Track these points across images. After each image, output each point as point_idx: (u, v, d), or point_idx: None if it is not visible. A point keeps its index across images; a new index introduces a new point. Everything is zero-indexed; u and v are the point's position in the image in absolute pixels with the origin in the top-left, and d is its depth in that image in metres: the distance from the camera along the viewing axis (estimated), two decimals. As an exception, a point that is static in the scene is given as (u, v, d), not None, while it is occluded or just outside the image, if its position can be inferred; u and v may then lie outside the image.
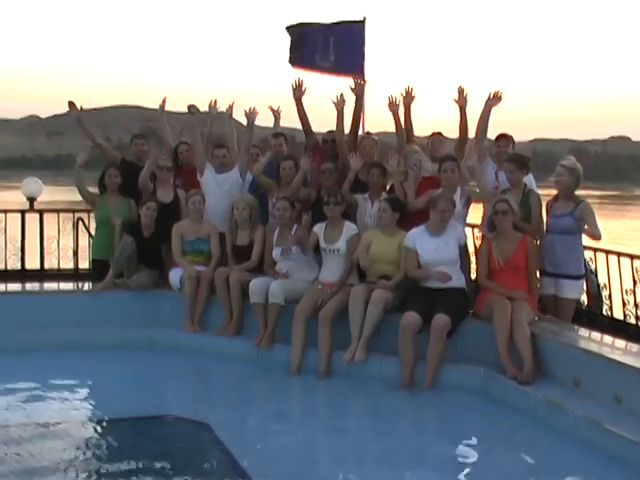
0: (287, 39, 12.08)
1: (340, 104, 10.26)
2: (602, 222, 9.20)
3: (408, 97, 10.28)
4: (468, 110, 9.90)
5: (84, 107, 11.40)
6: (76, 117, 11.02)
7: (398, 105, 10.28)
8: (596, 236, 8.88)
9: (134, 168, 10.83)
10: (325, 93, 10.90)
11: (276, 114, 11.28)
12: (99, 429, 7.23)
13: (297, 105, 10.68)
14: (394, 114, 10.28)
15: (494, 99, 9.63)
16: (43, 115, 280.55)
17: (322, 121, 11.24)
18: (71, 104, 11.05)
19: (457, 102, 9.99)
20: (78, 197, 10.93)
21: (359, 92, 10.58)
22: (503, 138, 9.98)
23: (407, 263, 8.89)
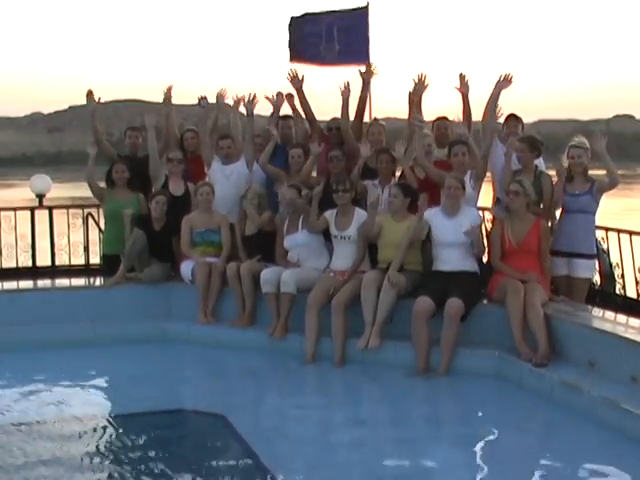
0: (287, 35, 12.03)
1: (346, 93, 10.24)
2: (605, 201, 9.24)
3: (420, 85, 10.19)
4: (474, 95, 9.86)
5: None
6: (92, 108, 11.01)
7: (418, 92, 10.19)
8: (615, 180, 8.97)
9: (132, 162, 10.81)
10: (327, 82, 10.88)
11: (275, 101, 10.97)
12: (116, 424, 7.21)
13: (299, 95, 10.67)
14: (412, 101, 10.21)
15: (504, 81, 9.54)
16: (46, 112, 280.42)
17: (324, 109, 11.20)
18: (90, 93, 11.00)
19: (459, 89, 9.96)
20: (80, 192, 10.93)
21: (368, 79, 10.54)
22: (513, 118, 9.92)
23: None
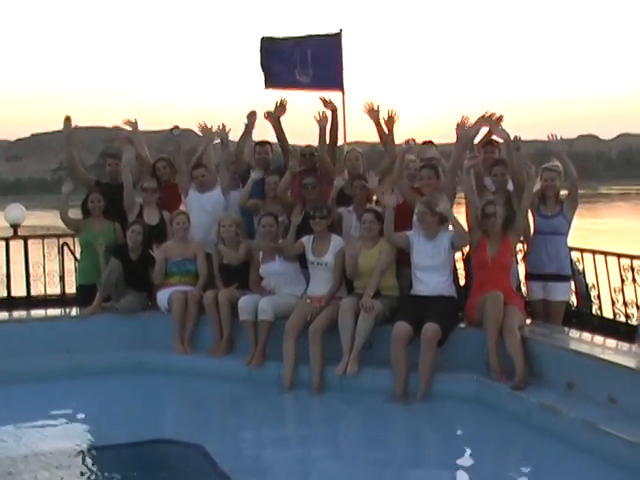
0: (257, 56, 12.05)
1: (323, 122, 10.28)
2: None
3: (390, 120, 10.20)
4: (448, 116, 9.87)
5: (42, 130, 11.31)
6: (68, 135, 10.96)
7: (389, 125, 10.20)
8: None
9: (111, 189, 10.74)
10: (299, 107, 10.88)
11: (248, 121, 10.82)
12: (93, 456, 7.14)
13: (276, 123, 10.63)
14: (377, 125, 10.21)
15: (490, 122, 9.56)
16: (12, 139, 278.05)
17: (298, 134, 11.20)
18: (67, 119, 10.94)
19: (386, 124, 10.06)
20: (36, 221, 10.85)
21: (333, 108, 10.55)
22: (489, 145, 9.98)
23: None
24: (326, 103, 10.53)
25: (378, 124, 10.04)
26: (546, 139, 9.38)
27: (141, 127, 11.17)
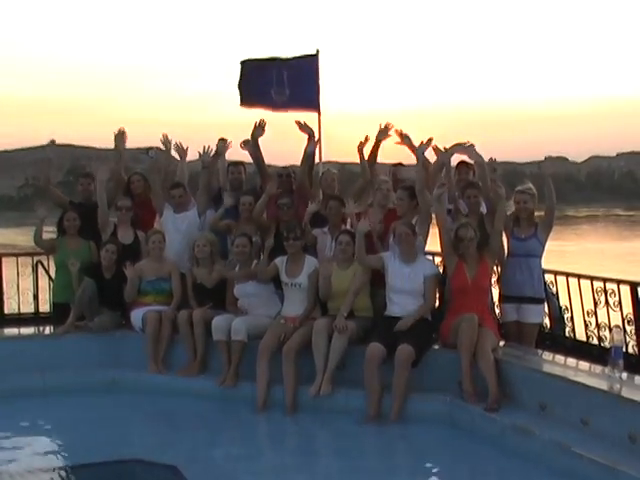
0: (237, 77, 12.11)
1: (311, 146, 10.38)
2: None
3: (382, 134, 10.25)
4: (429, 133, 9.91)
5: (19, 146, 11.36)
6: (49, 157, 11.00)
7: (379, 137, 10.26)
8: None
9: (85, 209, 10.72)
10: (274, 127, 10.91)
11: (218, 146, 10.77)
12: (65, 476, 7.12)
13: (254, 145, 10.61)
14: (360, 152, 10.26)
15: (462, 149, 9.62)
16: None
17: (272, 155, 11.20)
18: (53, 142, 11.01)
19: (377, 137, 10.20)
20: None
21: (309, 132, 10.61)
22: (464, 166, 10.04)
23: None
24: (301, 127, 10.57)
25: (412, 149, 9.78)
26: (519, 161, 9.46)
27: (109, 145, 11.18)
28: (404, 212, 9.33)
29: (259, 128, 10.62)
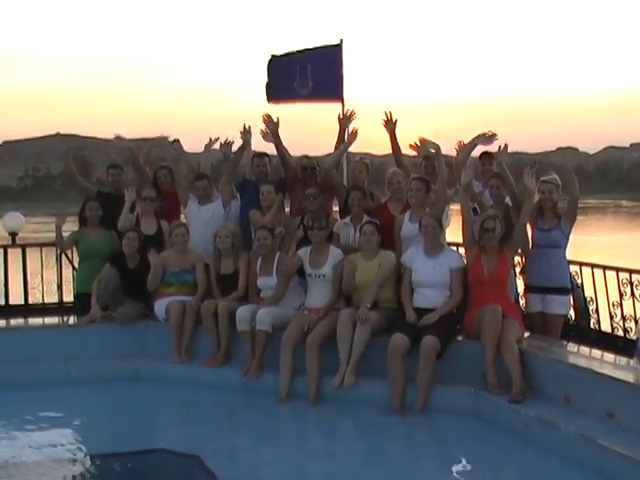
0: (264, 76, 12.09)
1: (351, 138, 10.46)
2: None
3: (390, 124, 10.25)
4: (447, 125, 9.90)
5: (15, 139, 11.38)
6: (129, 147, 11.17)
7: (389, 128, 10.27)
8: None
9: (113, 199, 10.76)
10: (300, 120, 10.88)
11: (244, 136, 10.72)
12: (88, 465, 7.15)
13: (275, 139, 10.54)
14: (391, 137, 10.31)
15: (485, 139, 9.59)
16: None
17: (299, 147, 11.16)
18: (119, 137, 11.16)
19: (385, 127, 10.19)
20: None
21: (345, 124, 10.63)
22: (487, 156, 9.97)
23: (403, 283, 8.92)
24: (340, 119, 10.70)
25: (393, 136, 10.08)
26: (531, 152, 9.41)
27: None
28: (418, 203, 9.29)
29: (270, 122, 10.54)
